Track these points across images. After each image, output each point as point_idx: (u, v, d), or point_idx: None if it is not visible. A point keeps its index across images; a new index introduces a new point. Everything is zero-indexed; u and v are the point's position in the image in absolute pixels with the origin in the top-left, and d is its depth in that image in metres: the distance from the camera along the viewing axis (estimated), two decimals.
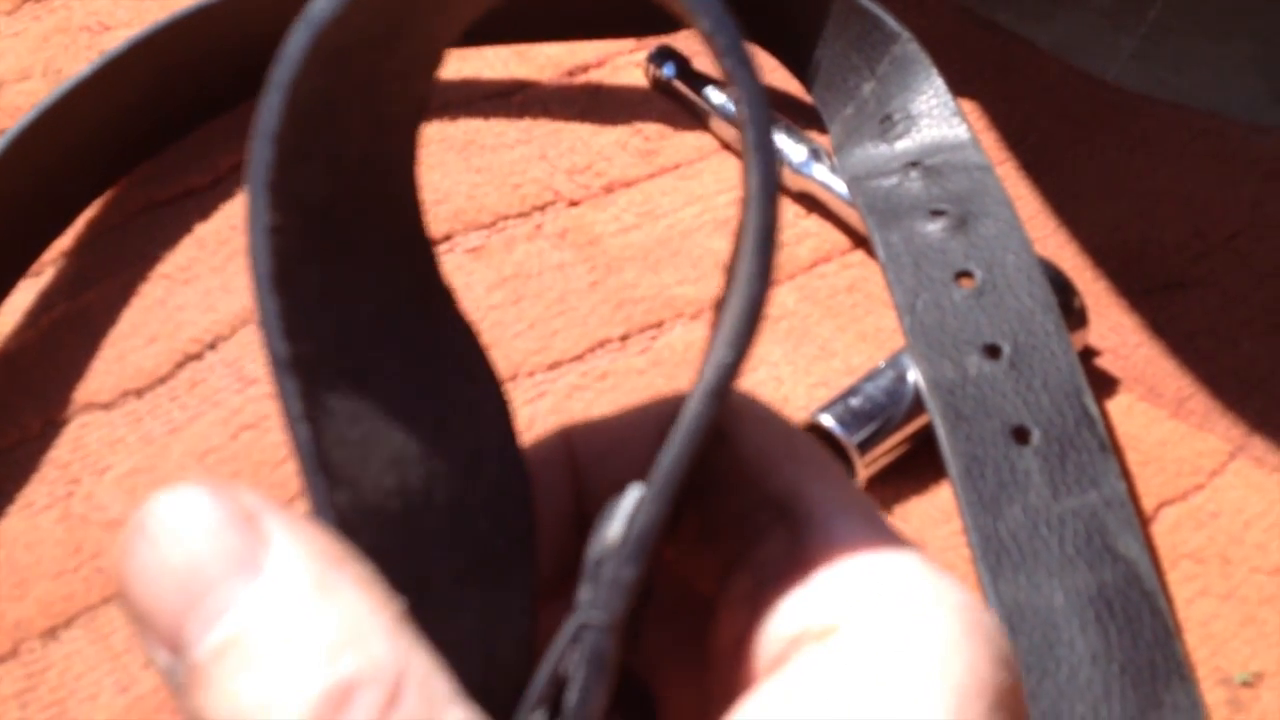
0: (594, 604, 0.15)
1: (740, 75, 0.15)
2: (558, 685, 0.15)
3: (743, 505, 0.17)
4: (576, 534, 0.19)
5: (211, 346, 0.36)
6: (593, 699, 0.15)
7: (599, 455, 0.19)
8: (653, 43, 0.45)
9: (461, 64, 0.45)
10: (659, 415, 0.19)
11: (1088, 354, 0.36)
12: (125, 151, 0.40)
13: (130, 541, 0.15)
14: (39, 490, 0.33)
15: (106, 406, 0.35)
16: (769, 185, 0.15)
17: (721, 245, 0.40)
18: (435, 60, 0.18)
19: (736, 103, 0.15)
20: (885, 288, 0.38)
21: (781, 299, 0.38)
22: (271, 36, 0.45)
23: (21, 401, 0.35)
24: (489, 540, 0.17)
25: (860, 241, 0.40)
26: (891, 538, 0.17)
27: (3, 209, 0.35)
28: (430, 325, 0.18)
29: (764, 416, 0.18)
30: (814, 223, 0.41)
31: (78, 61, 0.44)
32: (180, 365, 0.36)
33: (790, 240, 0.40)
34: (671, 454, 0.15)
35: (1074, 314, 0.35)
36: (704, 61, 0.45)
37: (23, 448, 0.34)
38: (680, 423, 0.16)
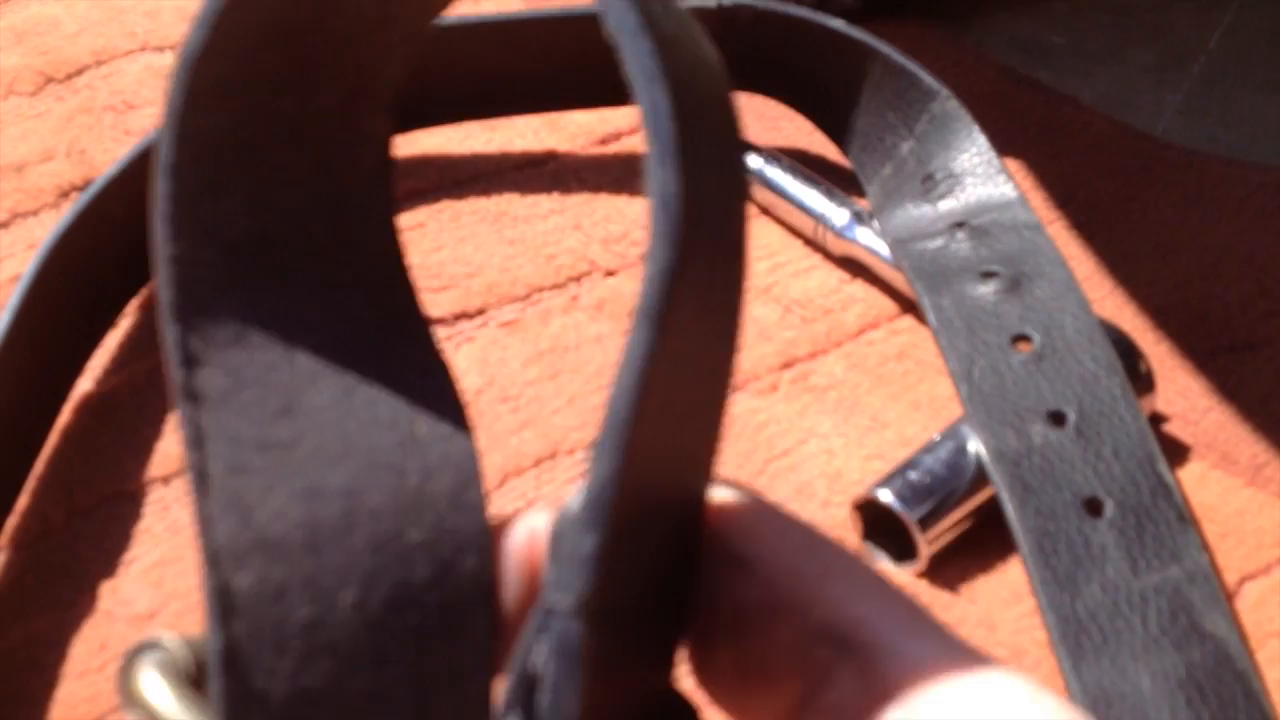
0: (556, 585, 0.13)
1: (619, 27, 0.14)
2: (528, 685, 0.13)
3: (793, 641, 0.15)
4: None
5: None
6: (566, 698, 0.13)
7: None
8: None
9: (491, 134, 0.44)
10: None
11: (1155, 420, 0.35)
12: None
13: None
14: (64, 585, 0.32)
15: (132, 495, 0.34)
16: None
17: (762, 313, 0.39)
18: (377, 102, 0.18)
19: (632, 80, 0.14)
20: (937, 354, 0.37)
21: (829, 368, 0.37)
22: None
23: (45, 492, 0.34)
24: (428, 588, 0.16)
25: (908, 306, 0.38)
26: (976, 657, 0.15)
27: (50, 317, 0.34)
28: (393, 366, 0.18)
29: (781, 529, 0.16)
30: (859, 288, 0.39)
31: (102, 141, 0.43)
32: None
33: (836, 307, 0.39)
34: (616, 395, 0.13)
35: (1141, 378, 0.33)
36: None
37: (45, 540, 0.33)
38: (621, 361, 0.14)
